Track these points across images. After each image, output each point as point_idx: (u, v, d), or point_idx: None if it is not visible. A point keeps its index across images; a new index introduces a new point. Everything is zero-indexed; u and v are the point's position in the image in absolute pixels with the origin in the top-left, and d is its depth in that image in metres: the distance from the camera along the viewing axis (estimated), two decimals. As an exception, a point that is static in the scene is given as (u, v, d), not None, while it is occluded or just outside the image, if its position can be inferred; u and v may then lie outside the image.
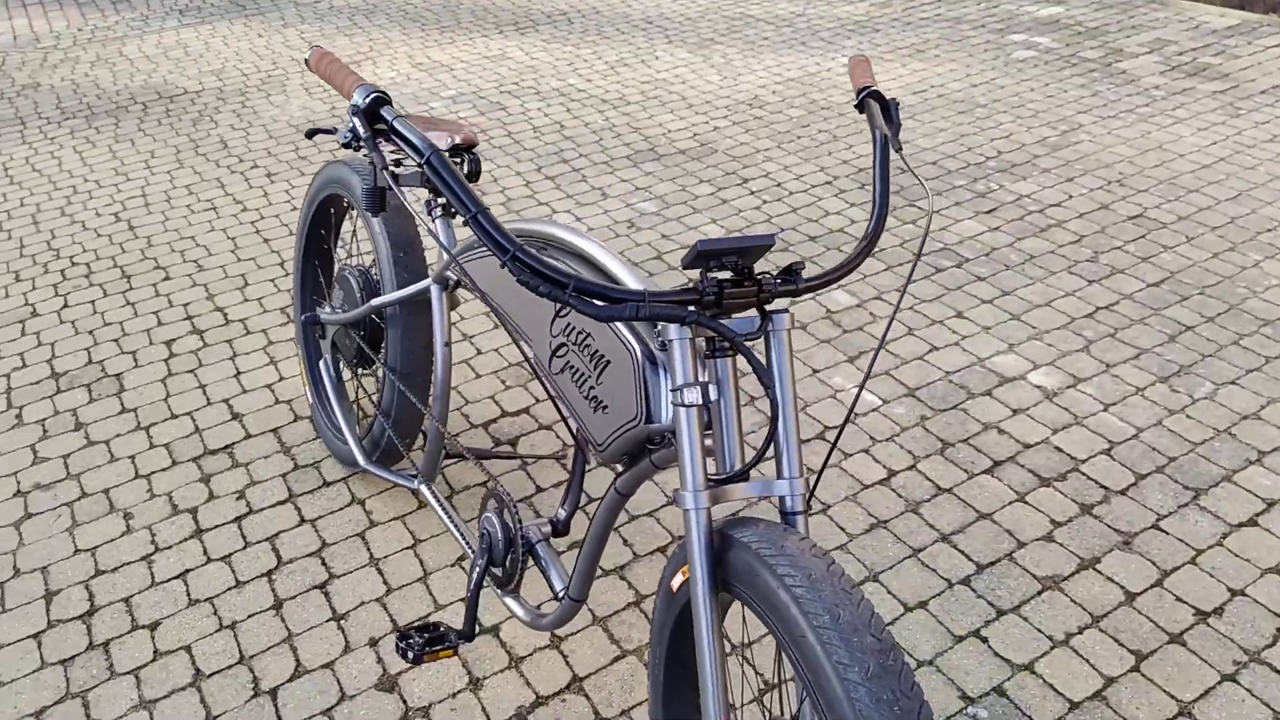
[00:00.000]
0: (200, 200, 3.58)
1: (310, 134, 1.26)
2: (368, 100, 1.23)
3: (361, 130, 1.22)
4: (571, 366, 1.46)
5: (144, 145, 4.05)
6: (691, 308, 1.16)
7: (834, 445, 1.26)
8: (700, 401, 1.16)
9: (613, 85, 4.45)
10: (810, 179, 3.52)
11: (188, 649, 1.85)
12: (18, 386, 2.61)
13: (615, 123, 4.06)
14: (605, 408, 1.39)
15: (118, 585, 1.99)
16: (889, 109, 1.47)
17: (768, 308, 1.25)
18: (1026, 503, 2.10)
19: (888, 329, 1.21)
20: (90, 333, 2.83)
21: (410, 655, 1.58)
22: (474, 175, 1.83)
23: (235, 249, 3.24)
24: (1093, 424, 2.31)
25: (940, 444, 2.27)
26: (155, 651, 1.85)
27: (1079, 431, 2.29)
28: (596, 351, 1.39)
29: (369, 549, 2.05)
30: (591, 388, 1.41)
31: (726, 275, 1.19)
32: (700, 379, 1.23)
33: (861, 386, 1.24)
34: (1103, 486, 2.13)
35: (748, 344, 1.31)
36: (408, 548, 2.05)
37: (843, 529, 2.05)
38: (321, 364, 2.29)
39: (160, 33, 5.43)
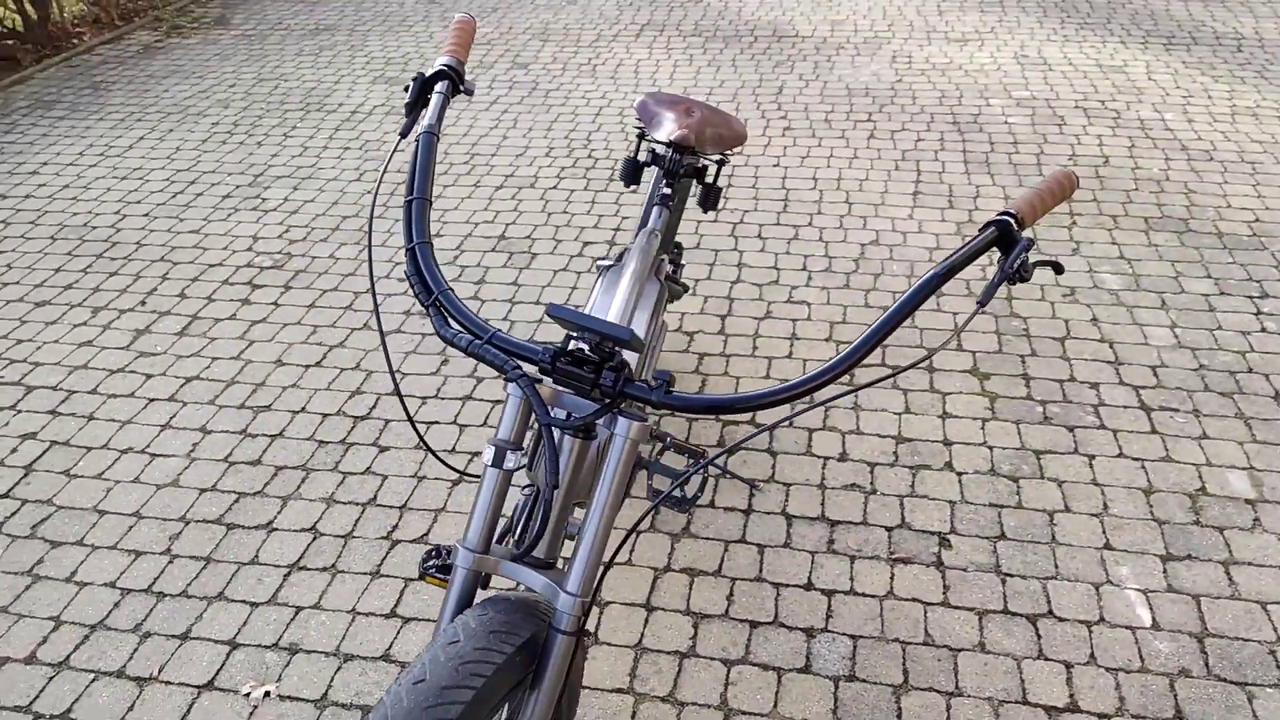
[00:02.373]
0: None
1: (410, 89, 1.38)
2: (431, 72, 1.31)
3: (410, 94, 1.31)
4: None
5: (722, 74, 4.45)
6: (524, 366, 1.09)
7: (617, 551, 1.10)
8: (489, 461, 1.10)
9: (1214, 135, 3.64)
10: (1362, 326, 2.57)
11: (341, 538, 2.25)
12: (475, 234, 3.23)
13: (1158, 182, 3.36)
14: None
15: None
16: (1012, 251, 1.11)
17: (623, 405, 1.11)
18: None
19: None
20: (549, 215, 3.35)
21: (421, 567, 1.75)
22: (671, 172, 1.78)
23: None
24: None
25: (1171, 718, 1.66)
26: (313, 532, 2.28)
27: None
28: None
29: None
30: None
31: (582, 348, 1.08)
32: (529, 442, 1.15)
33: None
34: None
35: (590, 434, 1.18)
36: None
37: (948, 725, 1.66)
38: None
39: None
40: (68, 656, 1.84)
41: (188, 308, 2.89)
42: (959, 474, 2.18)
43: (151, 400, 2.51)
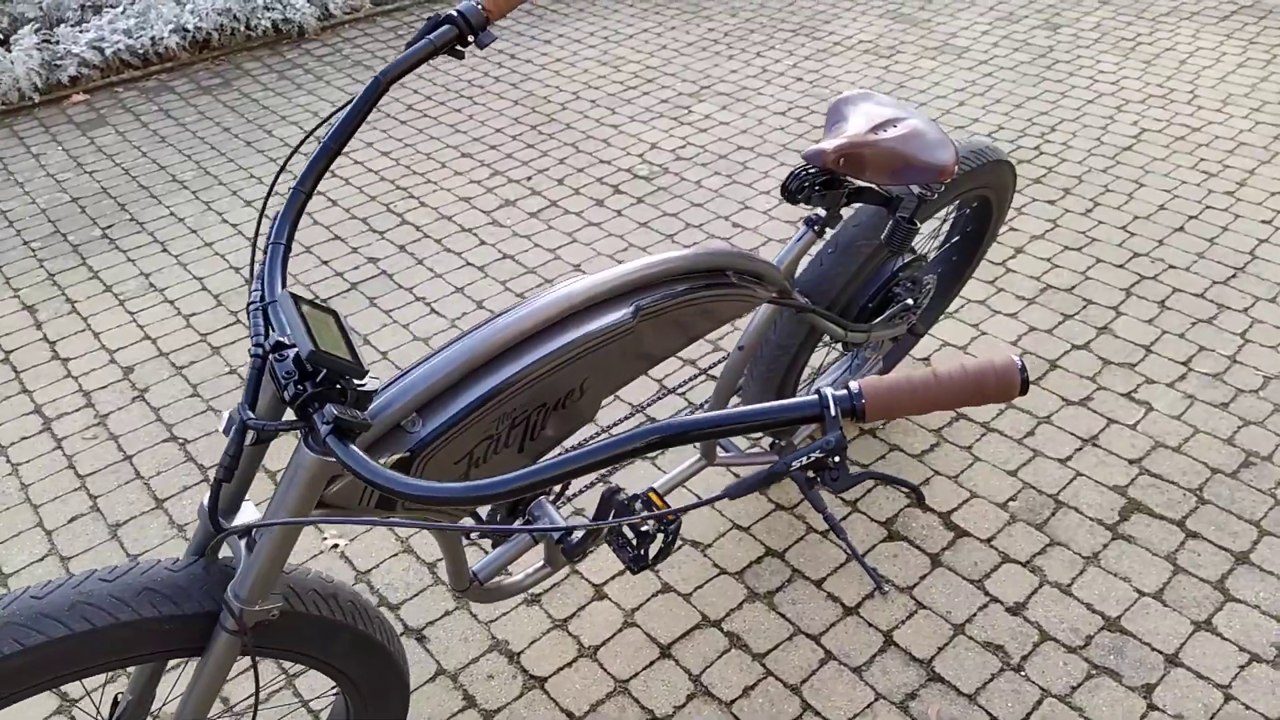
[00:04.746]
0: (1055, 91, 3.00)
1: None
2: (444, 15, 1.20)
3: (417, 34, 1.21)
4: None
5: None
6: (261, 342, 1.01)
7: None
8: (219, 427, 1.05)
9: None
10: None
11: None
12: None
13: None
14: None
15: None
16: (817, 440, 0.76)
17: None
18: None
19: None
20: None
21: None
22: (790, 190, 1.41)
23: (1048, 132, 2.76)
24: None
25: None
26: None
27: None
28: None
29: (695, 474, 2.05)
30: None
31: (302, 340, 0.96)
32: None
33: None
34: None
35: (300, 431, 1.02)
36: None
37: None
38: None
39: None
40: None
41: (555, 194, 3.12)
42: (1151, 706, 1.55)
43: (466, 265, 2.80)
